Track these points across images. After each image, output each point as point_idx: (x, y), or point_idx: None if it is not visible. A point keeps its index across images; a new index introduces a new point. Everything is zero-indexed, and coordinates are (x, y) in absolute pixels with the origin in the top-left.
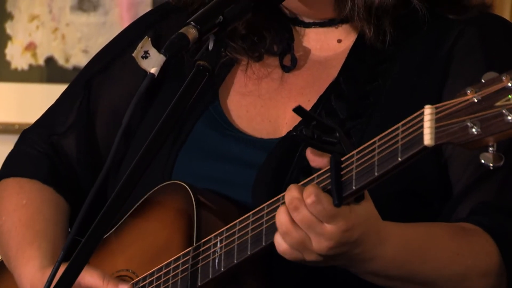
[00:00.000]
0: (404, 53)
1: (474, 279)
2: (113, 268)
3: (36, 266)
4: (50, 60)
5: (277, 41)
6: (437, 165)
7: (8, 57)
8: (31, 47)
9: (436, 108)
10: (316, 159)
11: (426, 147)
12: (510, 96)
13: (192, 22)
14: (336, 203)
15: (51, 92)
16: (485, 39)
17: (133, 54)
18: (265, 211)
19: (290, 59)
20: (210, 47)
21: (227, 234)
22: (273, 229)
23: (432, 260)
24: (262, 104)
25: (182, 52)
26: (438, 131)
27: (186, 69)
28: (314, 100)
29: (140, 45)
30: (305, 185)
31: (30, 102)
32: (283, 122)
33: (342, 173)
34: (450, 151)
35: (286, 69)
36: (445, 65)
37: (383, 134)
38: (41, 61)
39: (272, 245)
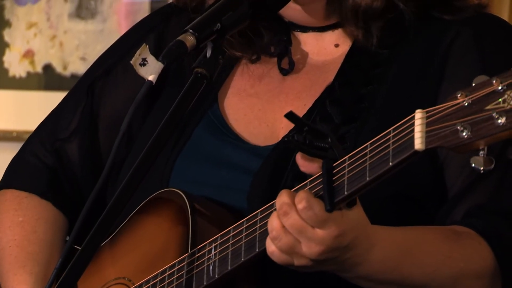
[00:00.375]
0: (400, 56)
1: (467, 282)
2: (110, 276)
3: None
4: (48, 68)
5: (274, 42)
6: (433, 169)
7: (6, 65)
8: (29, 54)
9: (427, 112)
10: (307, 165)
11: (417, 152)
12: (500, 100)
13: (190, 30)
14: (328, 209)
15: (49, 100)
16: (481, 40)
17: (131, 62)
18: (259, 217)
19: (288, 62)
20: (208, 54)
21: (221, 240)
22: (266, 235)
23: (423, 264)
24: (260, 107)
25: (181, 59)
26: (428, 135)
27: (186, 74)
28: (310, 104)
29: (138, 52)
30: (298, 190)
31: (28, 110)
32: (280, 126)
33: (334, 178)
34: (445, 154)
35: (284, 72)
36: (441, 67)
37: (375, 139)
38: (39, 69)
39: (265, 251)
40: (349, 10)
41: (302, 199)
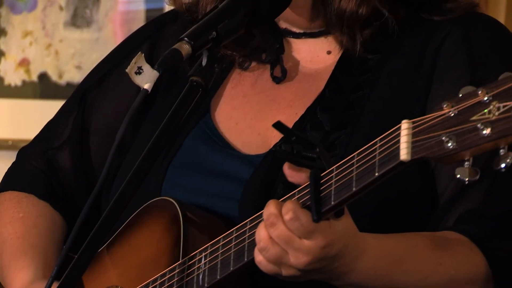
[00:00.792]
0: (390, 60)
1: None
2: (104, 284)
3: (28, 276)
4: (43, 76)
5: (267, 50)
6: (424, 175)
7: (1, 73)
8: (24, 63)
9: (413, 122)
10: (294, 175)
11: (402, 162)
12: (486, 111)
13: (185, 38)
14: (315, 219)
15: (45, 108)
16: (470, 39)
17: (127, 70)
18: (248, 226)
19: (280, 70)
20: (204, 62)
21: (211, 249)
22: (255, 245)
23: (414, 271)
24: (252, 116)
25: (176, 67)
26: (414, 145)
27: (178, 83)
28: (301, 112)
29: (133, 60)
30: (286, 200)
31: (24, 118)
32: (272, 135)
33: (321, 188)
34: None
35: (277, 80)
36: (431, 68)
37: (362, 149)
38: (34, 77)
39: (254, 261)
40: (334, 15)
41: (289, 210)
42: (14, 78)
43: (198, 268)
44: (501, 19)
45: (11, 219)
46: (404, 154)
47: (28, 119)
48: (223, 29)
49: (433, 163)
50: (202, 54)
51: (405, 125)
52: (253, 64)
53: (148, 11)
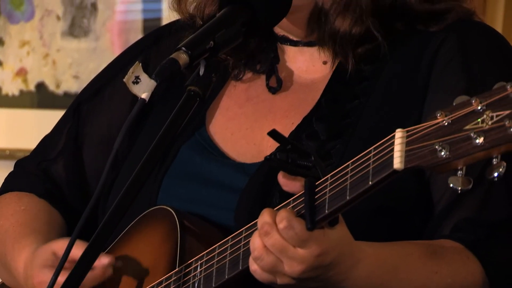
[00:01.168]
0: (387, 70)
1: None
2: None
3: (30, 251)
4: (41, 86)
5: (261, 59)
6: (420, 183)
7: None
8: (22, 72)
9: (407, 131)
10: (289, 183)
11: (396, 171)
12: (479, 120)
13: (183, 48)
14: (309, 227)
15: (42, 118)
16: (465, 47)
17: (124, 80)
18: (243, 235)
19: (275, 80)
20: (201, 72)
21: (207, 258)
22: (249, 253)
23: (409, 280)
24: (248, 126)
25: (174, 76)
26: (408, 154)
27: (174, 93)
28: (297, 122)
29: (131, 70)
30: (281, 208)
31: (21, 128)
32: (267, 145)
33: (316, 197)
34: None
35: (272, 90)
36: (427, 77)
37: (356, 157)
38: (32, 87)
39: (249, 269)
40: (327, 34)
41: (283, 218)
42: (12, 87)
43: (194, 276)
44: (500, 19)
45: (13, 211)
46: (397, 163)
47: (26, 128)
48: (220, 39)
49: (428, 171)
50: (199, 64)
51: (399, 134)
52: (249, 74)
53: (145, 21)
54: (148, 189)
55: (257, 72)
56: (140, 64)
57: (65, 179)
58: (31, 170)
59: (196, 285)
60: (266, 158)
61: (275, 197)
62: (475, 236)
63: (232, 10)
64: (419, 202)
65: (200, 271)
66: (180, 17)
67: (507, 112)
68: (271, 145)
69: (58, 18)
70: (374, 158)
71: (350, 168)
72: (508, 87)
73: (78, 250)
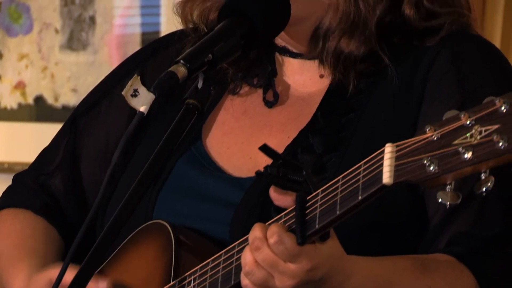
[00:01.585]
0: (382, 83)
1: None
2: None
3: (26, 276)
4: (39, 99)
5: (259, 73)
6: (414, 197)
7: None
8: (20, 86)
9: (397, 146)
10: (280, 198)
11: (385, 186)
12: (468, 134)
13: (181, 61)
14: (299, 242)
15: (40, 131)
16: (459, 60)
17: (123, 93)
18: (236, 249)
19: (272, 94)
20: (200, 85)
21: (200, 272)
22: (241, 268)
23: None
24: (244, 140)
25: (172, 90)
26: (397, 169)
27: (172, 106)
28: (293, 136)
29: (129, 83)
30: (272, 223)
31: (19, 141)
32: (263, 159)
33: (306, 211)
34: None
35: (269, 104)
36: (421, 90)
37: (347, 172)
38: (30, 100)
39: (240, 284)
40: (330, 54)
41: (274, 233)
42: (10, 101)
43: None
44: (499, 19)
45: (8, 231)
46: (386, 177)
47: (24, 142)
48: (219, 52)
49: (422, 186)
50: (198, 77)
51: (388, 148)
52: (245, 88)
53: (143, 34)
54: (144, 203)
55: (254, 86)
56: (139, 77)
57: (63, 193)
58: (29, 184)
59: None
60: (256, 173)
61: (271, 212)
62: (469, 249)
63: (231, 23)
64: (412, 216)
65: (194, 286)
66: (177, 29)
67: (496, 126)
68: (267, 159)
69: (56, 31)
70: (364, 173)
71: (340, 183)
72: (497, 101)
73: (70, 276)
